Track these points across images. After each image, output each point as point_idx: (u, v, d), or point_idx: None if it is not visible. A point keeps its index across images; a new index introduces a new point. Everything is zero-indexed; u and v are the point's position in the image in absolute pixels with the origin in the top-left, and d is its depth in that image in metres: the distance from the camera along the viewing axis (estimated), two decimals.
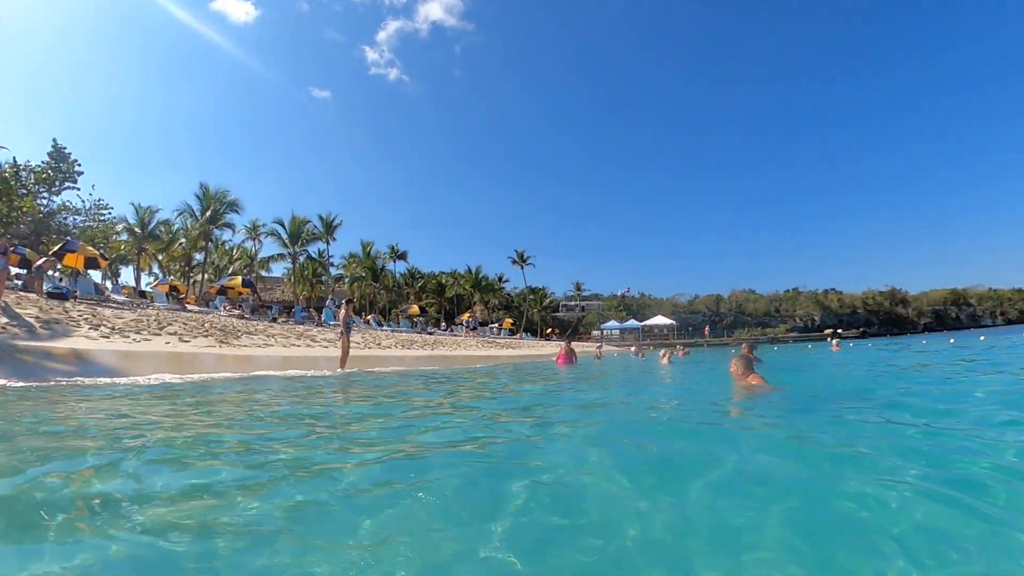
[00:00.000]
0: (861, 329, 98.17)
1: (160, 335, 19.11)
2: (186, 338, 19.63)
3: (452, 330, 68.97)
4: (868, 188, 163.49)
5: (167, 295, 38.80)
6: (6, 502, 3.26)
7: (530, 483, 3.59)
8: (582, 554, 2.58)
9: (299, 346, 24.41)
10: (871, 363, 19.46)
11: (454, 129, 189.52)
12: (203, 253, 65.81)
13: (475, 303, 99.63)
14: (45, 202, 49.86)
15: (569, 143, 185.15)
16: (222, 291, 43.32)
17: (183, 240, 64.21)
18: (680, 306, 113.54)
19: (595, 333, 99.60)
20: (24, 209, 44.45)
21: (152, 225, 61.47)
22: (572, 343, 25.22)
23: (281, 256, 74.92)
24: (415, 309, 70.51)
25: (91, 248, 35.19)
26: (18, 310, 17.05)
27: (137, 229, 59.92)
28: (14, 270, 26.90)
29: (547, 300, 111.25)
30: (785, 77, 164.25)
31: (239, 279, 45.33)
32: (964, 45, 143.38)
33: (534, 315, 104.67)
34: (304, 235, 72.21)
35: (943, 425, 5.58)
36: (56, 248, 32.07)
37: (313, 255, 76.94)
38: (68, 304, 21.23)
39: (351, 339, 19.79)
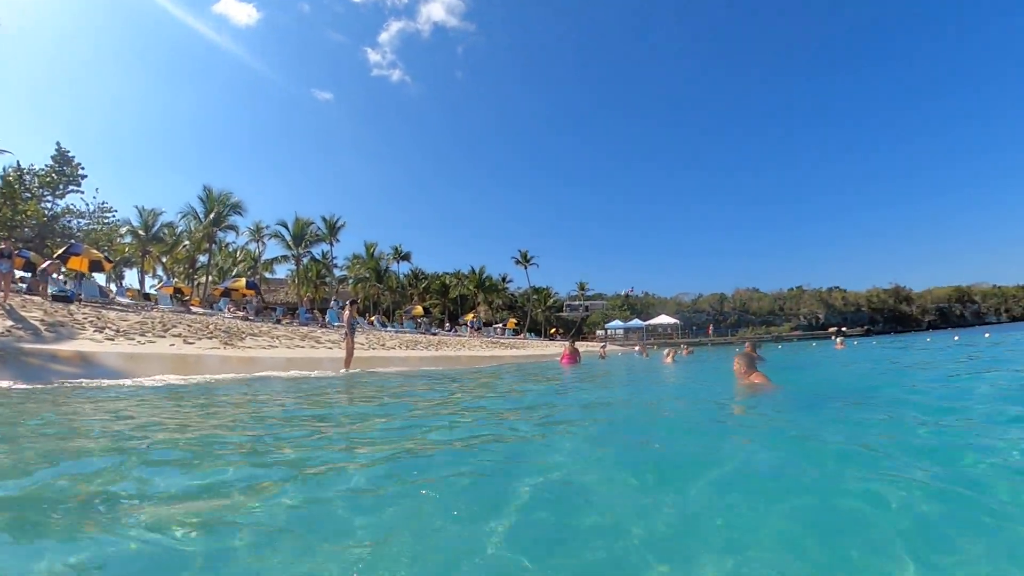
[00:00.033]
0: (865, 327, 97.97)
1: (165, 337, 19.14)
2: (191, 340, 19.65)
3: (456, 331, 68.96)
4: (871, 185, 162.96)
5: (171, 297, 38.86)
6: (10, 503, 3.27)
7: (534, 481, 3.60)
8: (587, 551, 2.59)
9: (303, 347, 24.43)
10: (875, 361, 19.42)
11: (457, 129, 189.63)
12: (207, 255, 65.84)
13: (479, 303, 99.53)
14: (49, 205, 50.07)
15: (572, 142, 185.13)
16: (226, 293, 43.38)
17: (187, 242, 64.29)
18: (684, 305, 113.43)
19: (599, 333, 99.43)
20: (28, 213, 44.58)
21: (156, 228, 61.57)
22: (576, 343, 25.23)
23: (285, 258, 75.06)
24: (419, 310, 70.46)
25: (95, 251, 35.25)
26: (23, 313, 17.09)
27: (141, 232, 60.04)
28: (19, 273, 26.99)
29: (551, 300, 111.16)
30: (787, 74, 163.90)
31: (243, 281, 45.38)
32: (966, 41, 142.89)
33: (538, 315, 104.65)
34: (308, 237, 72.27)
35: (946, 422, 5.56)
36: (60, 251, 32.11)
37: (317, 257, 77.00)
38: (73, 307, 21.29)
39: (355, 340, 19.79)
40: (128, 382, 11.66)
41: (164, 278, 69.11)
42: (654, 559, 2.48)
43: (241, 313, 36.39)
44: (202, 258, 67.12)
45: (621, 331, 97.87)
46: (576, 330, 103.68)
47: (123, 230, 59.21)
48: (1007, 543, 2.55)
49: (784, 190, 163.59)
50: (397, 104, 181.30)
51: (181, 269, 71.21)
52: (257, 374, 15.49)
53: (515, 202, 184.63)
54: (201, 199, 60.25)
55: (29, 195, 47.35)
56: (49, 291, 23.66)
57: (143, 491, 3.61)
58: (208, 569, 2.44)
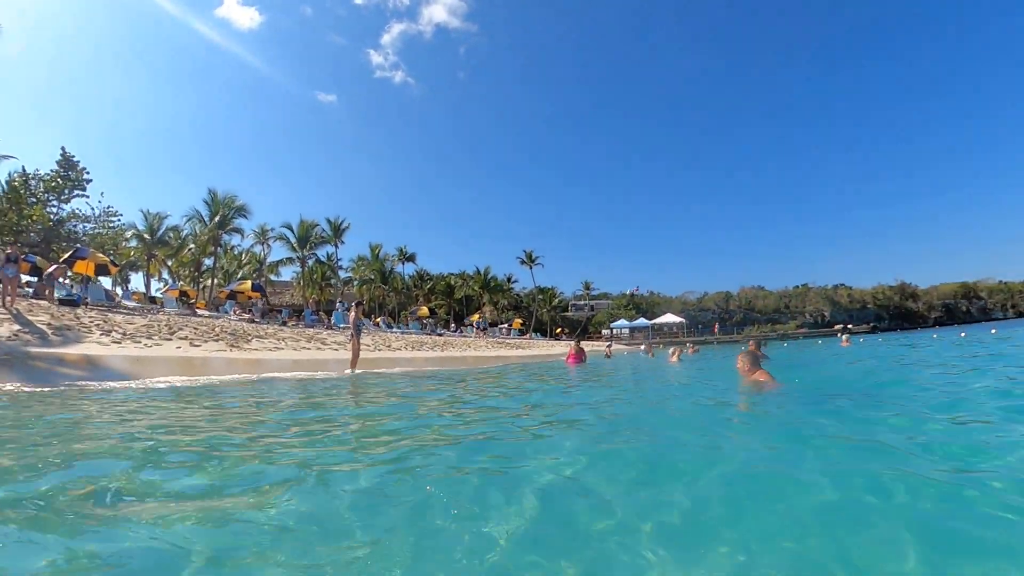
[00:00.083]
0: (871, 324, 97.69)
1: (171, 340, 19.19)
2: (197, 342, 19.70)
3: (462, 331, 68.95)
4: (875, 182, 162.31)
5: (177, 300, 38.95)
6: (16, 502, 3.29)
7: (539, 478, 3.62)
8: (592, 548, 2.60)
9: (309, 349, 24.45)
10: (880, 358, 19.38)
11: (460, 130, 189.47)
12: (212, 258, 66.08)
13: (484, 304, 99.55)
14: (55, 210, 50.21)
15: (576, 141, 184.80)
16: (232, 295, 43.46)
17: (192, 245, 64.55)
18: (689, 304, 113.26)
19: (605, 332, 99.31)
20: (34, 217, 44.74)
21: (161, 231, 61.90)
22: (582, 342, 25.18)
23: (290, 260, 75.33)
24: (424, 311, 70.51)
25: (101, 255, 35.36)
26: (30, 317, 17.14)
27: (146, 235, 60.32)
28: (25, 278, 27.06)
29: (556, 300, 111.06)
30: (789, 72, 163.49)
31: (248, 283, 45.46)
32: (967, 38, 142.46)
33: (543, 315, 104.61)
34: (312, 239, 72.43)
35: (950, 419, 5.55)
36: (66, 255, 32.22)
37: (322, 259, 77.12)
38: (79, 311, 21.35)
39: (361, 342, 19.81)
40: (134, 384, 11.70)
41: (170, 281, 69.39)
42: (662, 552, 2.49)
43: (247, 315, 36.44)
44: (207, 261, 67.39)
45: (627, 330, 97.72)
46: (582, 330, 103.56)
47: (128, 234, 59.51)
48: (1010, 541, 2.55)
49: (788, 188, 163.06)
50: (400, 105, 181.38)
51: (187, 272, 71.51)
52: (263, 376, 15.52)
53: (519, 202, 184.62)
54: (206, 202, 60.48)
55: (35, 200, 47.51)
56: (56, 295, 23.71)
57: (149, 491, 3.63)
58: (213, 568, 2.46)
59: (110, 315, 21.97)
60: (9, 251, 19.86)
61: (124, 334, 17.95)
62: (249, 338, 23.57)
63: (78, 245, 41.17)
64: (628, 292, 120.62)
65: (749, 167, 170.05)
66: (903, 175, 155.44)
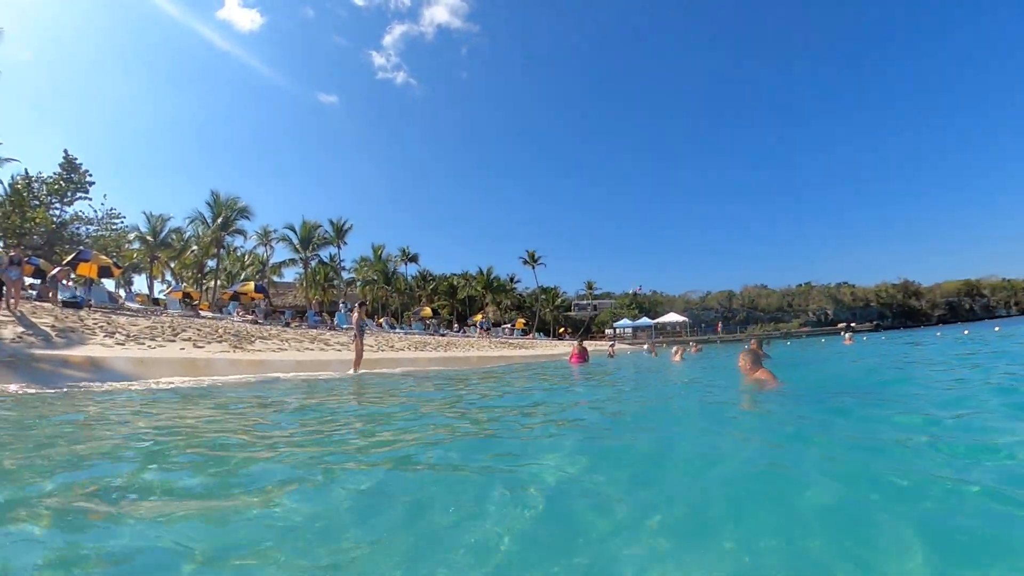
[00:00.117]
0: (874, 322, 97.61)
1: (175, 341, 19.21)
2: (200, 344, 19.72)
3: (465, 331, 68.99)
4: (878, 179, 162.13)
5: (180, 302, 39.06)
6: (17, 502, 3.30)
7: (540, 477, 3.63)
8: (594, 545, 2.61)
9: (312, 350, 24.47)
10: (882, 356, 19.38)
11: (462, 130, 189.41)
12: (215, 260, 66.04)
13: (487, 304, 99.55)
14: (58, 213, 50.32)
15: (578, 140, 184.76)
16: (235, 297, 43.52)
17: (195, 247, 64.55)
18: (692, 303, 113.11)
19: (608, 332, 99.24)
20: (37, 220, 44.83)
21: (164, 233, 61.93)
22: (585, 342, 25.18)
23: (293, 261, 75.19)
24: (427, 311, 70.54)
25: (104, 257, 35.48)
26: (34, 319, 17.17)
27: (149, 237, 60.36)
28: (28, 280, 27.11)
29: (559, 300, 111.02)
30: (792, 69, 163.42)
31: (251, 285, 45.54)
32: (971, 34, 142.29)
33: (546, 315, 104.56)
34: (315, 240, 72.38)
35: (950, 417, 5.53)
36: (70, 258, 32.27)
37: (324, 260, 77.10)
38: (83, 313, 21.38)
39: (364, 342, 19.82)
40: (138, 385, 11.72)
41: (173, 283, 69.39)
42: (663, 551, 2.50)
43: (250, 317, 36.48)
44: (210, 263, 67.39)
45: (630, 330, 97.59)
46: (584, 329, 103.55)
47: (131, 236, 59.61)
48: (1013, 539, 2.55)
49: (790, 186, 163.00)
50: (402, 106, 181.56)
51: (190, 274, 71.54)
52: (266, 376, 15.53)
53: (522, 202, 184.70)
54: (209, 204, 60.43)
55: (37, 203, 47.60)
56: (59, 297, 23.75)
57: (152, 491, 3.65)
58: (214, 567, 2.47)
59: (114, 317, 21.99)
60: (12, 254, 19.93)
61: (128, 336, 17.97)
62: (252, 339, 23.59)
63: (81, 247, 41.28)
64: (631, 291, 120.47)
65: (751, 165, 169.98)
66: (906, 173, 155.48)
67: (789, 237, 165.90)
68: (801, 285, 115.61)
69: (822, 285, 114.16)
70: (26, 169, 48.35)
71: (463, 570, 2.41)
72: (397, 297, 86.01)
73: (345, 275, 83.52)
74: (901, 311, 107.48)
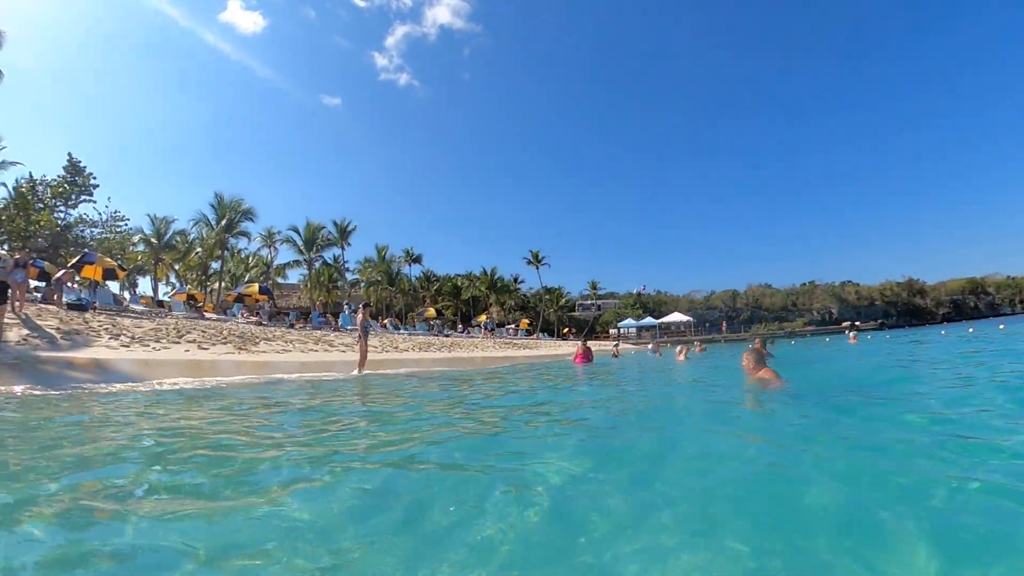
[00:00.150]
0: (879, 321, 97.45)
1: (179, 343, 19.23)
2: (205, 345, 19.75)
3: (469, 332, 69.01)
4: (881, 177, 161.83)
5: (185, 304, 39.11)
6: (23, 502, 3.32)
7: (543, 477, 3.64)
8: (597, 545, 2.62)
9: (317, 351, 24.47)
10: (886, 354, 19.38)
11: (466, 131, 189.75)
12: (219, 262, 66.14)
13: (491, 304, 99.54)
14: (62, 215, 50.46)
15: (581, 141, 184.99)
16: (239, 299, 43.62)
17: (199, 249, 64.57)
18: (696, 302, 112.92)
19: (612, 332, 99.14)
20: (42, 223, 44.94)
21: (168, 235, 61.91)
22: (589, 342, 25.19)
23: (297, 263, 75.22)
24: (431, 312, 70.66)
25: (109, 259, 35.49)
26: (39, 322, 17.21)
27: (153, 240, 60.38)
28: (33, 283, 27.17)
29: (563, 300, 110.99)
30: (797, 67, 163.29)
31: (256, 286, 45.62)
32: (974, 29, 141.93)
33: (550, 315, 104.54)
34: (319, 241, 72.41)
35: (954, 416, 5.53)
36: (74, 260, 32.36)
37: (328, 261, 77.14)
38: (88, 315, 21.43)
39: (368, 343, 19.83)
40: (143, 387, 11.73)
41: (177, 285, 69.64)
42: (665, 551, 2.51)
43: (254, 318, 36.56)
44: (215, 264, 67.43)
45: (634, 329, 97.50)
46: (588, 329, 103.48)
47: (136, 238, 59.66)
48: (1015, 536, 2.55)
49: (794, 185, 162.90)
50: (405, 107, 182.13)
51: (194, 276, 71.56)
52: (271, 377, 15.55)
53: (525, 202, 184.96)
54: (212, 206, 60.48)
55: (42, 206, 47.72)
56: (64, 300, 23.80)
57: (156, 491, 3.66)
58: (216, 567, 2.48)
59: (118, 319, 22.04)
60: (17, 256, 19.96)
61: (133, 338, 18.00)
62: (257, 341, 23.62)
63: (86, 250, 41.37)
64: (635, 291, 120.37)
65: (755, 164, 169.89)
66: (909, 171, 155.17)
67: (793, 236, 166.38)
68: (805, 284, 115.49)
69: (826, 284, 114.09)
70: (30, 172, 48.55)
71: (466, 570, 2.41)
72: (401, 298, 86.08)
73: (349, 276, 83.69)
74: (906, 309, 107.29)
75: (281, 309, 57.94)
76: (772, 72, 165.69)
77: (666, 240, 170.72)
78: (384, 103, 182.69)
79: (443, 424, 6.84)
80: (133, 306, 32.87)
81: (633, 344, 79.12)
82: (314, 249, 72.22)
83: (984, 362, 11.68)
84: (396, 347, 32.49)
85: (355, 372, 17.96)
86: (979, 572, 2.23)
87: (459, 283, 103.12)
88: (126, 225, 57.60)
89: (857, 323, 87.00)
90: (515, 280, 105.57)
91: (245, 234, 64.60)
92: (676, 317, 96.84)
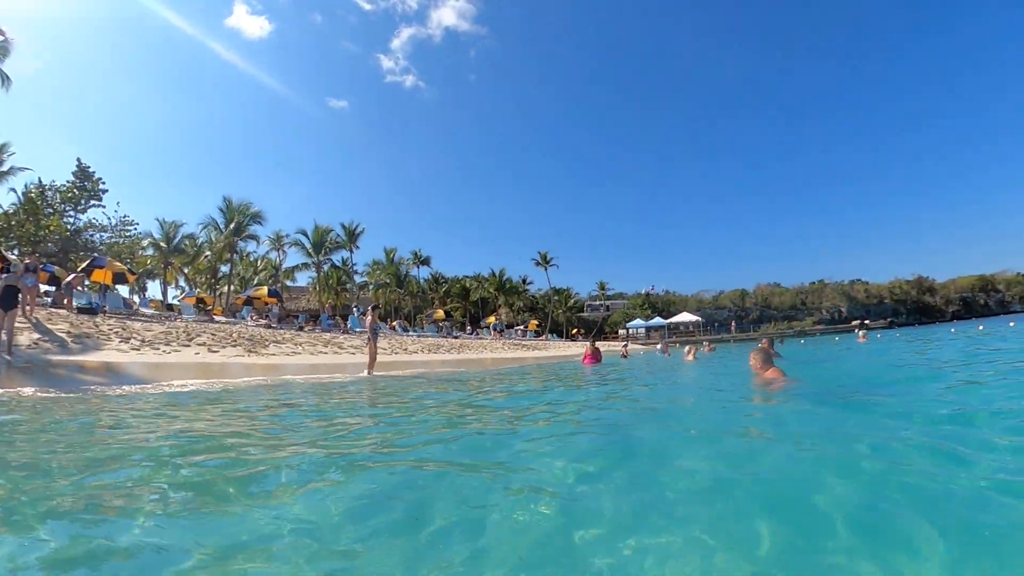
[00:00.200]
0: (889, 319, 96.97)
1: (189, 346, 19.31)
2: (215, 348, 19.82)
3: (478, 333, 69.01)
4: (887, 175, 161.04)
5: (194, 307, 39.22)
6: (30, 502, 3.33)
7: (550, 477, 3.66)
8: (598, 543, 2.61)
9: (326, 353, 24.54)
10: (896, 353, 19.29)
11: (472, 132, 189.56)
12: (228, 265, 66.31)
13: (500, 306, 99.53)
14: (72, 220, 50.78)
15: (588, 141, 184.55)
16: (248, 302, 43.67)
17: (208, 253, 64.76)
18: (705, 302, 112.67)
19: (621, 332, 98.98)
20: (51, 228, 45.18)
21: (177, 239, 62.16)
22: (598, 343, 25.13)
23: (305, 265, 75.33)
24: (440, 314, 70.63)
25: (119, 264, 35.63)
26: (49, 326, 17.31)
27: (163, 244, 60.62)
28: (43, 287, 27.28)
29: (571, 301, 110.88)
30: (803, 66, 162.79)
31: (265, 289, 45.67)
32: (980, 24, 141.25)
33: (559, 316, 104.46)
34: (327, 244, 72.51)
35: (961, 414, 5.50)
36: (84, 264, 32.47)
37: (337, 263, 77.24)
38: (98, 319, 21.53)
39: (378, 345, 19.86)
40: (151, 389, 11.77)
41: (187, 289, 69.84)
42: (667, 550, 2.50)
43: (264, 321, 36.65)
44: (224, 268, 67.62)
45: (643, 330, 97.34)
46: (597, 330, 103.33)
47: (145, 242, 59.94)
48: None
49: (802, 183, 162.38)
50: (412, 109, 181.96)
51: (203, 279, 71.84)
52: (280, 379, 15.58)
53: (533, 203, 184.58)
54: (221, 210, 60.63)
55: (51, 211, 48.05)
56: (74, 304, 23.91)
57: (161, 491, 3.68)
58: (219, 567, 2.49)
59: (128, 323, 22.14)
60: (28, 261, 20.05)
61: (143, 341, 18.09)
62: (267, 343, 23.69)
63: (95, 254, 41.51)
64: (643, 292, 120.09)
65: (761, 163, 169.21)
66: (917, 168, 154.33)
67: (801, 235, 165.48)
68: (814, 283, 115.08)
69: (835, 282, 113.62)
70: (40, 178, 48.98)
71: (470, 570, 2.42)
72: (410, 300, 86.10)
73: (358, 279, 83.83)
74: (915, 307, 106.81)
75: (290, 312, 58.15)
76: (781, 70, 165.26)
77: (674, 240, 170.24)
78: (391, 105, 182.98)
79: (451, 425, 6.84)
80: (143, 310, 33.02)
81: (642, 344, 79.05)
82: (323, 252, 72.33)
83: (995, 360, 11.62)
84: (405, 349, 32.55)
85: (365, 374, 18.00)
86: (995, 571, 2.21)
87: (468, 285, 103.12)
88: (135, 229, 58.05)
89: (867, 322, 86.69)
90: (524, 281, 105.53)
91: (254, 237, 64.81)
92: (685, 317, 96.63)
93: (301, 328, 37.26)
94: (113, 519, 3.12)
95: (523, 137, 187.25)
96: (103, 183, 52.57)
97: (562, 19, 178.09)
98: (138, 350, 16.69)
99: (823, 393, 7.99)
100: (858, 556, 2.31)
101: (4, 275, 16.32)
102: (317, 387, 13.14)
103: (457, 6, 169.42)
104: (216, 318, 36.01)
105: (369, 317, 19.74)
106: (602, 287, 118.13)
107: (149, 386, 12.24)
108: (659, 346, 40.78)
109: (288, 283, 79.87)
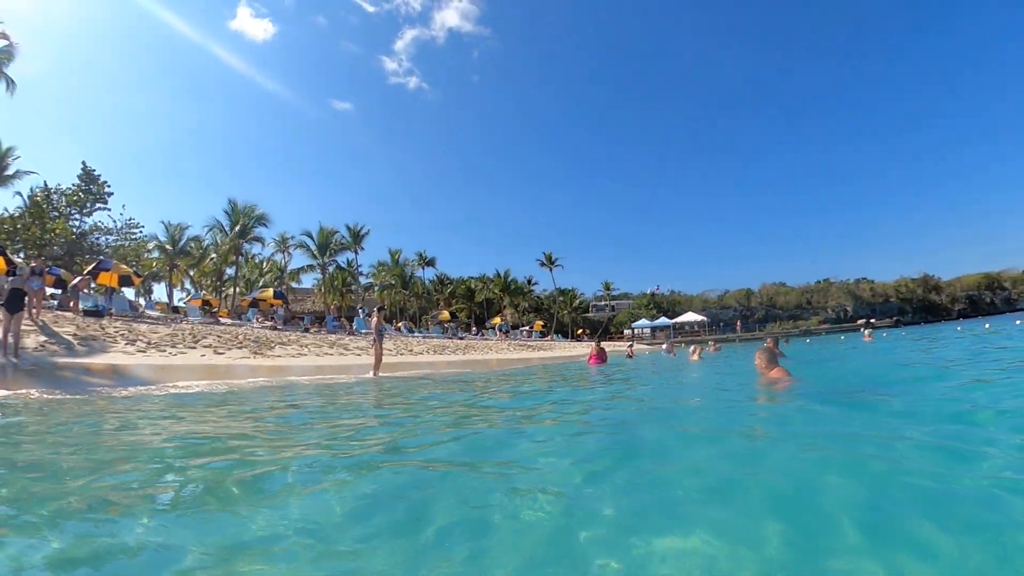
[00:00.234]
0: (895, 318, 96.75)
1: (195, 348, 19.35)
2: (221, 350, 19.85)
3: (483, 334, 68.99)
4: (892, 173, 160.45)
5: (200, 309, 39.25)
6: (35, 502, 3.34)
7: (555, 477, 3.66)
8: (600, 543, 2.61)
9: (332, 355, 24.56)
10: (901, 352, 19.27)
11: (476, 133, 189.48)
12: (234, 267, 66.39)
13: (505, 307, 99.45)
14: (77, 223, 50.84)
15: (592, 141, 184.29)
16: (254, 304, 43.71)
17: (214, 255, 64.89)
18: (710, 302, 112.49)
19: (626, 332, 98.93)
20: (57, 231, 45.28)
21: (183, 242, 62.23)
22: (603, 343, 25.13)
23: (311, 267, 75.40)
24: (445, 315, 70.66)
25: (124, 266, 35.68)
26: (55, 328, 17.36)
27: (168, 246, 60.71)
28: (49, 290, 27.35)
29: (577, 301, 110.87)
30: (808, 63, 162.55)
31: (270, 291, 45.70)
32: (984, 20, 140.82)
33: (564, 316, 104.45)
34: (332, 246, 72.56)
35: (965, 413, 5.49)
36: (90, 267, 32.54)
37: (342, 265, 77.26)
38: (104, 321, 21.57)
39: (383, 346, 19.87)
40: (157, 391, 11.79)
41: (192, 291, 70.00)
42: (673, 547, 2.50)
43: (269, 323, 36.70)
44: (229, 270, 67.73)
45: (648, 330, 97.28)
46: (603, 330, 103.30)
47: (150, 245, 60.02)
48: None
49: (806, 182, 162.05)
50: (415, 110, 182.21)
51: (209, 282, 71.94)
52: (286, 381, 15.60)
53: (537, 204, 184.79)
54: (226, 212, 60.70)
55: (57, 214, 48.14)
56: (80, 306, 23.97)
57: (165, 491, 3.69)
58: (219, 566, 2.50)
59: (134, 325, 22.17)
60: (33, 264, 20.11)
61: (149, 343, 18.12)
62: (272, 345, 23.72)
63: (101, 257, 41.59)
64: (649, 291, 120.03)
65: (766, 162, 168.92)
66: (921, 166, 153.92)
67: (807, 234, 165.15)
68: (820, 282, 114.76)
69: (841, 281, 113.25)
70: (45, 181, 49.09)
71: (476, 571, 2.42)
72: (415, 301, 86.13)
73: (363, 280, 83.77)
74: (921, 306, 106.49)
75: (295, 313, 58.21)
76: (785, 69, 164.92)
77: (680, 240, 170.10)
78: (394, 107, 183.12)
79: (457, 425, 6.86)
80: (149, 312, 33.11)
81: (647, 344, 78.97)
82: (328, 253, 72.39)
83: (1000, 358, 11.59)
84: (411, 350, 32.57)
85: (370, 375, 18.00)
86: (1000, 571, 2.21)
87: (473, 286, 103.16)
88: (141, 232, 58.04)
89: (872, 320, 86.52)
90: (529, 282, 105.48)
91: (259, 239, 64.96)
92: (690, 317, 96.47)
93: (307, 330, 37.29)
94: (119, 520, 3.13)
95: (526, 137, 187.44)
96: (108, 186, 52.65)
97: (563, 19, 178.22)
98: (144, 352, 16.73)
99: (828, 392, 7.98)
100: (863, 556, 2.30)
101: (10, 278, 16.39)
102: (322, 388, 13.15)
103: (460, 7, 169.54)
104: (222, 320, 36.03)
105: (374, 318, 19.72)
106: (607, 287, 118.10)
107: (155, 388, 12.26)
108: (664, 346, 40.71)
109: (293, 285, 79.88)
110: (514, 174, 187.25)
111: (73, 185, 50.54)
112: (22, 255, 40.97)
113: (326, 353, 24.71)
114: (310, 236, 71.59)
